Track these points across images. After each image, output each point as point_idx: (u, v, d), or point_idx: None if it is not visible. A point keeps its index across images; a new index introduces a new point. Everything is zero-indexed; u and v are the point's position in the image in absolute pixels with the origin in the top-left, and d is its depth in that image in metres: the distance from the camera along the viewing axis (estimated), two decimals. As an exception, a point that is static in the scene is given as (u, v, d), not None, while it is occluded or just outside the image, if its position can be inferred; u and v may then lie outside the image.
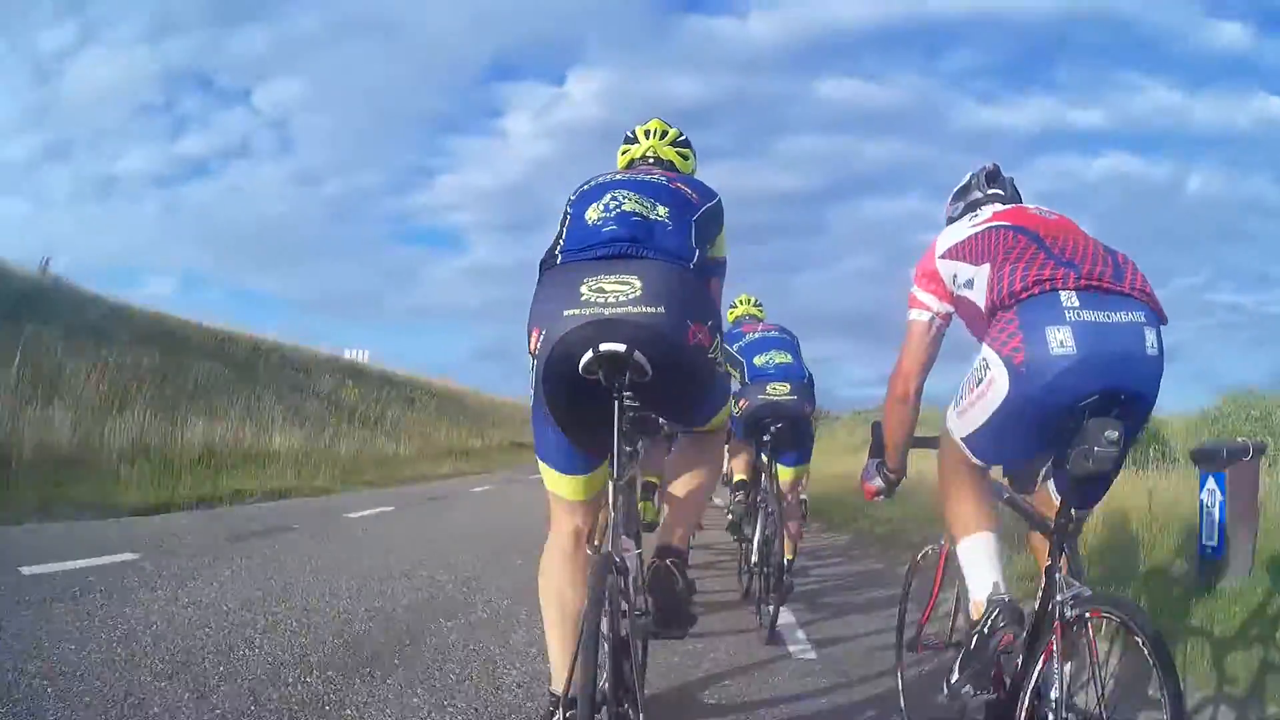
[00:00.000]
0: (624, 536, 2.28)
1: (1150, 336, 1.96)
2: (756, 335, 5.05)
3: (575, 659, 1.94)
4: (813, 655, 4.06)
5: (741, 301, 5.67)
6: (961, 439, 2.19)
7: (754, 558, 4.65)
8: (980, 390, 2.08)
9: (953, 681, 2.19)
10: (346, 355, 27.56)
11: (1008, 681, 2.24)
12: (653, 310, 2.04)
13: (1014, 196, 2.52)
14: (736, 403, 4.89)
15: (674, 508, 2.58)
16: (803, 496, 7.00)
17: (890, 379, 2.47)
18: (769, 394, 4.68)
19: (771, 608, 4.22)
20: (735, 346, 4.94)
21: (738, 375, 4.90)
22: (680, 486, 2.58)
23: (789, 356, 4.89)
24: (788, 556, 4.67)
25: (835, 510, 10.89)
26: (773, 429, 4.65)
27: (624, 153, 2.75)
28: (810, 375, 5.00)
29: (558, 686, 2.21)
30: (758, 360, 4.85)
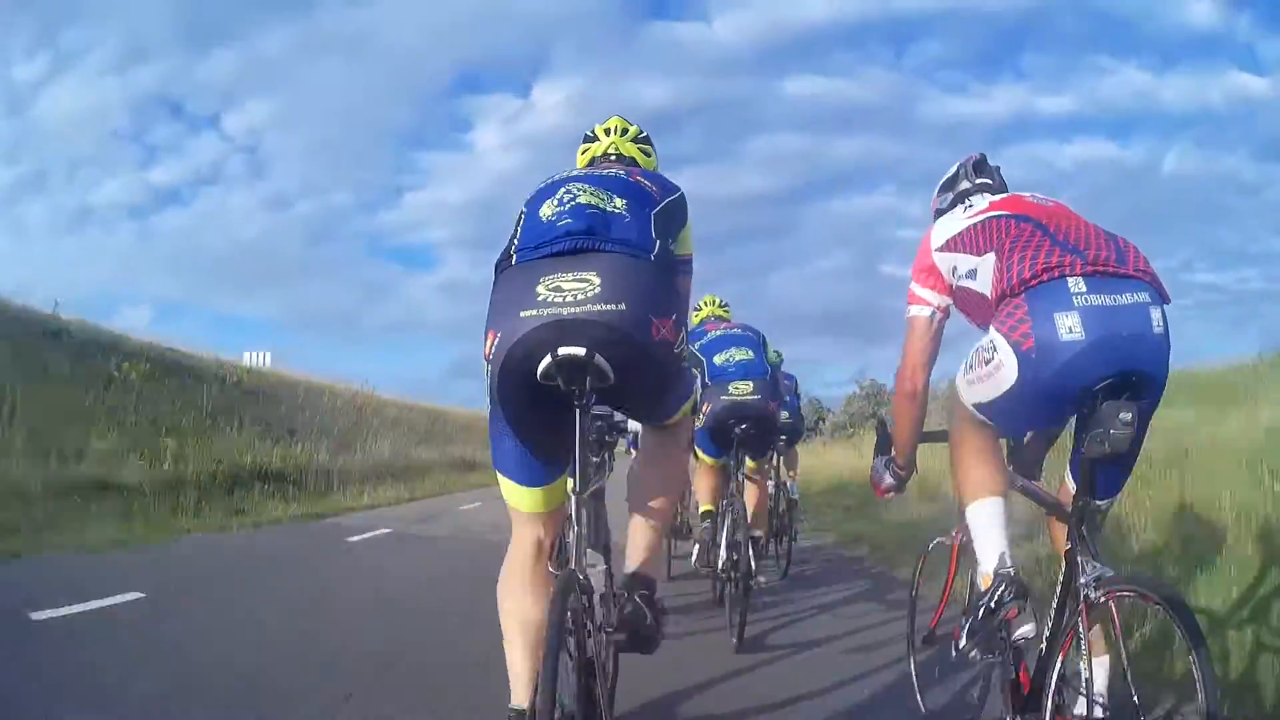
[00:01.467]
0: (590, 550, 2.19)
1: (1156, 315, 1.98)
2: (718, 333, 4.98)
3: (535, 690, 1.84)
4: (789, 659, 3.99)
5: (706, 303, 5.61)
6: (972, 405, 2.20)
7: (720, 565, 4.53)
8: (989, 370, 2.08)
9: (960, 647, 2.21)
10: (246, 359, 23.15)
11: (1030, 669, 2.22)
12: (613, 308, 1.93)
13: (1002, 185, 2.52)
14: (701, 406, 4.83)
15: (638, 526, 2.37)
16: (793, 497, 7.02)
17: (896, 377, 2.46)
18: (731, 394, 4.59)
19: (738, 617, 4.08)
20: (696, 345, 4.88)
21: (699, 374, 4.82)
22: (643, 498, 2.37)
23: (750, 353, 4.79)
24: (756, 532, 4.70)
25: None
26: (737, 431, 4.55)
27: (584, 151, 2.68)
28: (773, 370, 4.95)
29: (519, 701, 2.12)
30: (718, 359, 4.77)
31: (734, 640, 4.04)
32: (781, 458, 6.90)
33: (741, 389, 4.60)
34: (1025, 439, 2.53)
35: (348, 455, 16.05)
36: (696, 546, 4.96)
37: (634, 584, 2.24)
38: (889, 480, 2.67)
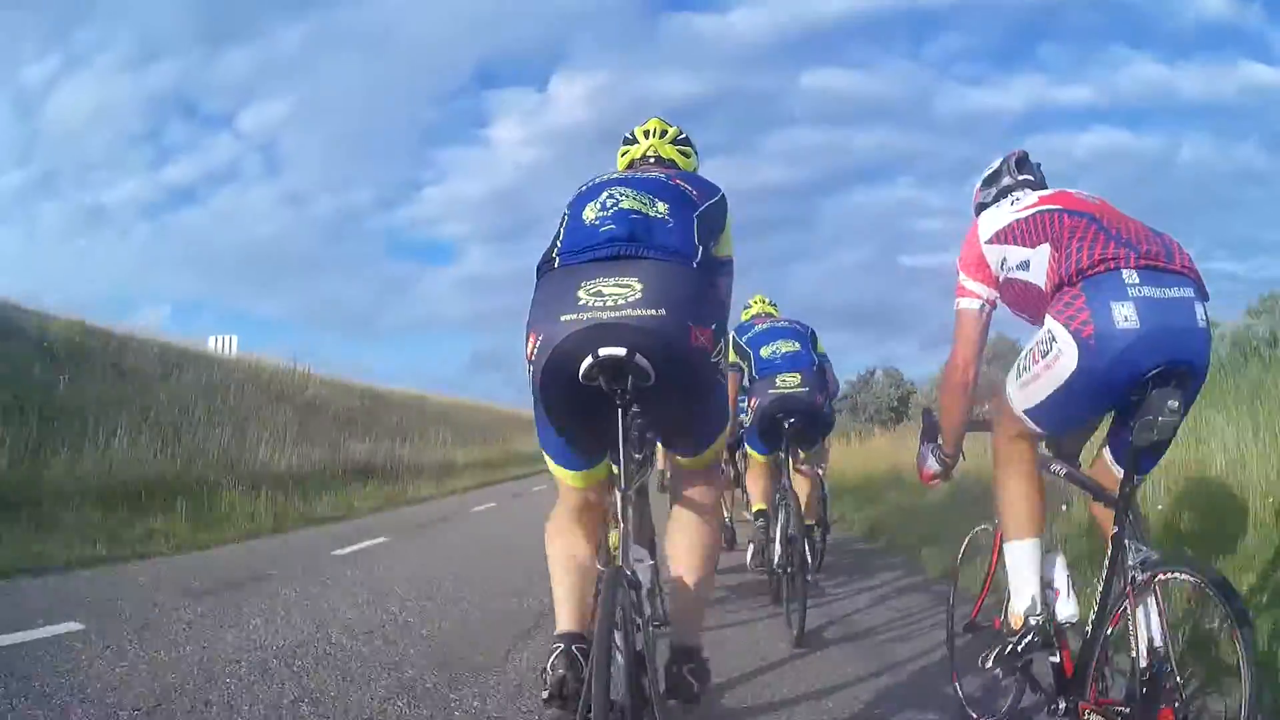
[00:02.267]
0: (636, 546, 2.22)
1: (1199, 310, 2.06)
2: (765, 326, 5.00)
3: (590, 674, 1.84)
4: (845, 648, 4.00)
5: (756, 301, 5.67)
6: (1024, 411, 2.23)
7: (776, 560, 4.49)
8: (1047, 362, 2.13)
9: (986, 665, 2.30)
10: (210, 345, 20.20)
11: (1074, 651, 2.26)
12: (653, 313, 1.96)
13: (1042, 181, 2.60)
14: (747, 403, 4.88)
15: (680, 588, 2.33)
16: (823, 494, 6.97)
17: (946, 368, 2.52)
18: (779, 387, 4.57)
19: (797, 612, 4.01)
20: (744, 338, 4.90)
21: (746, 368, 4.86)
22: (683, 557, 2.33)
23: (796, 345, 4.78)
24: (808, 520, 4.71)
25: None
26: (787, 425, 4.52)
27: (623, 154, 2.69)
28: (821, 364, 4.92)
29: (564, 626, 2.20)
30: (764, 352, 4.76)
31: (793, 633, 3.97)
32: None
33: (789, 381, 4.59)
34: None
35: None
36: (751, 546, 4.87)
37: (682, 656, 2.28)
38: (935, 467, 2.72)
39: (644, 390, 1.99)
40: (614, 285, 1.99)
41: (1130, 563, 2.07)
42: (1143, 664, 2.01)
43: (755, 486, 4.99)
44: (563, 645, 2.13)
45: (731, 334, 4.92)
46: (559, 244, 2.17)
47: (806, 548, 4.27)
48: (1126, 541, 2.10)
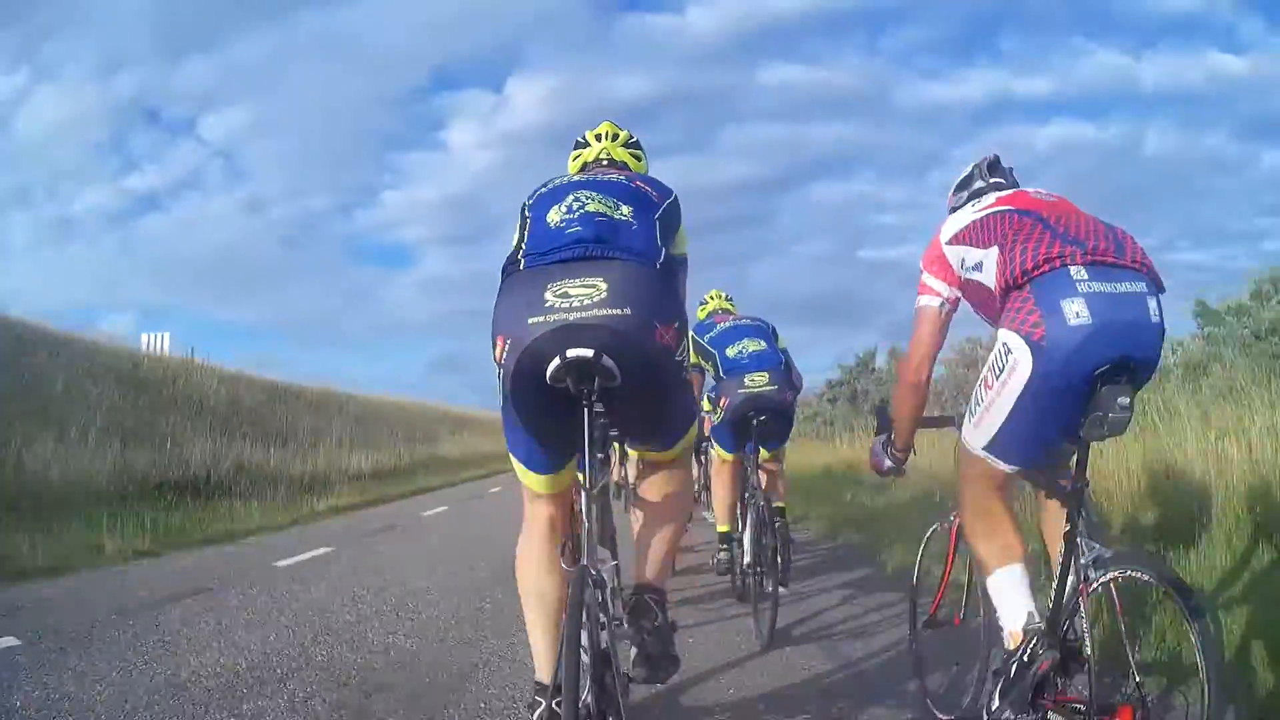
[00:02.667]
0: (599, 547, 2.26)
1: (1153, 305, 2.05)
2: (728, 325, 4.94)
3: (558, 667, 1.94)
4: (808, 647, 3.99)
5: (712, 297, 5.61)
6: (983, 449, 2.21)
7: (745, 559, 4.46)
8: (1003, 379, 2.11)
9: (994, 708, 2.19)
10: (144, 344, 19.63)
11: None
12: (619, 312, 2.01)
13: (1014, 184, 2.59)
14: (717, 402, 4.83)
15: (647, 545, 2.46)
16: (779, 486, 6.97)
17: (901, 363, 2.52)
18: (748, 386, 4.57)
19: (767, 612, 3.98)
20: (706, 338, 4.86)
21: (711, 369, 4.85)
22: (651, 522, 2.47)
23: (762, 343, 4.77)
24: (779, 504, 4.77)
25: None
26: (756, 422, 4.53)
27: (575, 157, 2.73)
28: (787, 359, 4.92)
29: (542, 675, 2.24)
30: (730, 351, 4.74)
31: (764, 635, 3.93)
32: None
33: (758, 380, 4.59)
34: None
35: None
36: (716, 561, 4.91)
37: (644, 590, 2.35)
38: (888, 463, 2.72)
39: (611, 390, 2.03)
40: (580, 286, 2.03)
41: (1084, 561, 2.07)
42: (1100, 661, 2.01)
43: (721, 500, 4.93)
44: (545, 703, 2.10)
45: (691, 334, 4.79)
46: (524, 246, 2.19)
47: (776, 548, 4.21)
48: (1080, 540, 2.10)
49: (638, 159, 2.73)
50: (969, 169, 2.63)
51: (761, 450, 4.80)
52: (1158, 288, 2.09)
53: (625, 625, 2.34)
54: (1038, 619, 2.17)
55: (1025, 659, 2.14)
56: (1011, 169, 2.62)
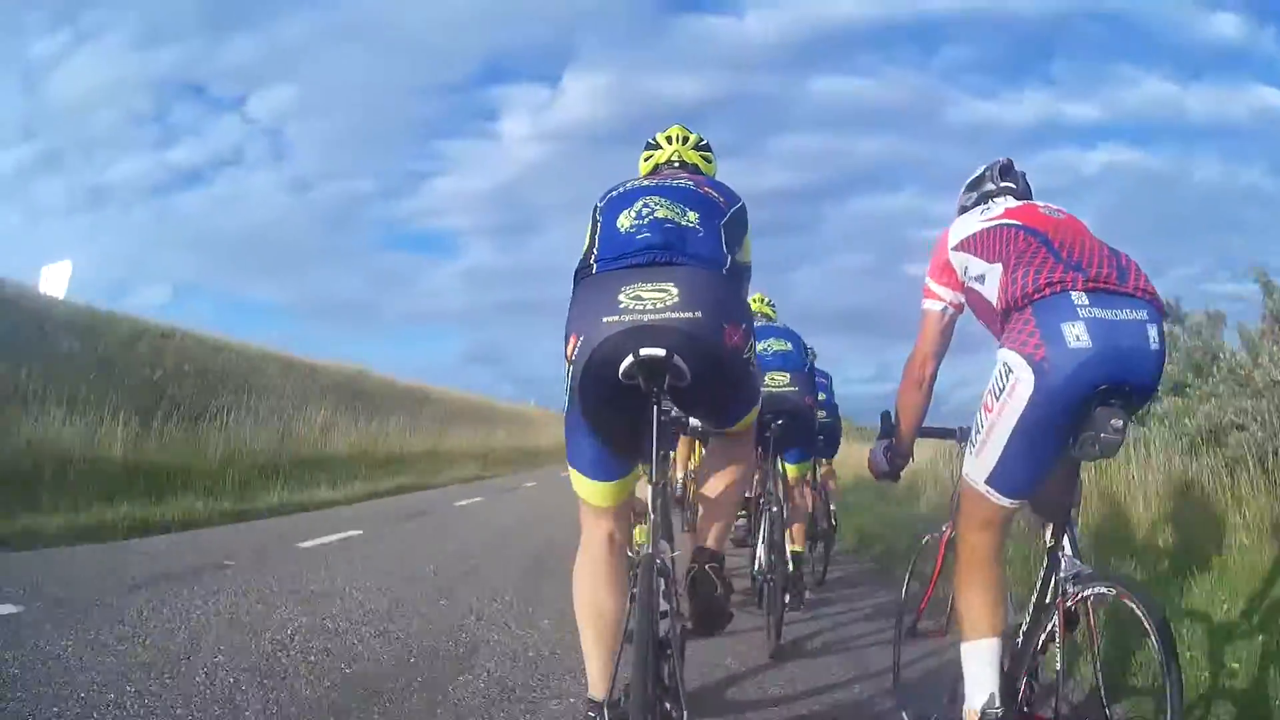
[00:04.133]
0: (660, 540, 2.30)
1: (1153, 332, 2.04)
2: (759, 325, 4.82)
3: (617, 663, 2.06)
4: (824, 659, 3.99)
5: (754, 300, 5.47)
6: (985, 483, 2.16)
7: (758, 565, 4.43)
8: (1003, 400, 2.09)
9: None
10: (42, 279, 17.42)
11: (1007, 663, 2.25)
12: (690, 315, 2.07)
13: (1026, 190, 2.59)
14: None
15: (707, 510, 2.55)
16: (831, 507, 6.78)
17: (906, 365, 2.51)
18: (768, 384, 4.44)
19: (775, 620, 3.96)
20: None
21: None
22: (712, 488, 2.54)
23: (788, 344, 4.75)
24: (795, 548, 4.58)
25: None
26: (774, 425, 4.39)
27: (646, 159, 2.77)
28: (811, 366, 4.86)
29: (597, 692, 2.23)
30: (756, 348, 4.72)
31: (772, 641, 3.92)
32: (821, 461, 6.70)
33: (778, 379, 4.53)
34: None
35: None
36: (736, 524, 4.81)
37: (703, 556, 2.39)
38: (885, 467, 2.72)
39: (679, 389, 2.11)
40: (652, 290, 2.10)
41: (1062, 575, 2.07)
42: (1071, 676, 2.01)
43: None
44: (602, 717, 2.16)
45: None
46: (595, 251, 2.27)
47: (789, 561, 4.18)
48: (1060, 555, 2.10)
49: (708, 161, 2.77)
50: (981, 170, 2.63)
51: (789, 469, 4.71)
52: (1159, 314, 2.09)
53: (687, 598, 2.38)
54: (998, 704, 2.11)
55: None
56: (1024, 174, 2.61)
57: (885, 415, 2.83)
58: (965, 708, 2.18)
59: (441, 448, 20.07)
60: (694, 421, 2.72)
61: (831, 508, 6.74)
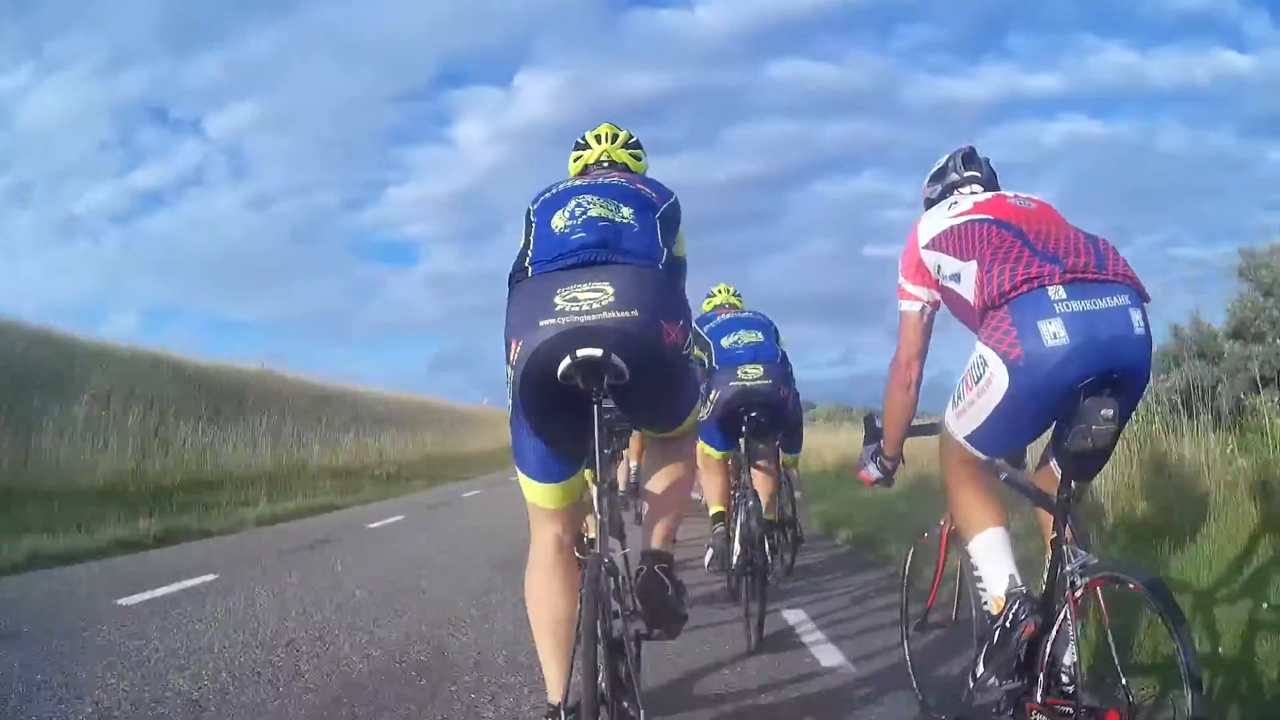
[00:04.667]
0: (609, 537, 2.31)
1: (1136, 317, 2.06)
2: (727, 317, 4.86)
3: (572, 664, 2.03)
4: (804, 650, 4.00)
5: (719, 291, 5.49)
6: (964, 438, 2.25)
7: (735, 561, 4.38)
8: (980, 388, 2.15)
9: (979, 674, 2.21)
10: None
11: (1022, 656, 2.28)
12: (626, 314, 2.07)
13: (990, 176, 2.59)
14: (707, 396, 4.65)
15: (653, 509, 2.56)
16: (796, 494, 6.65)
17: (890, 369, 2.51)
18: (740, 379, 4.42)
19: (755, 615, 3.93)
20: (705, 329, 4.76)
21: (706, 358, 4.70)
22: (656, 486, 2.54)
23: (759, 335, 4.65)
24: (769, 516, 4.60)
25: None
26: (748, 418, 4.39)
27: (576, 159, 2.74)
28: (784, 355, 4.81)
29: (554, 697, 2.24)
30: (725, 342, 4.62)
31: (752, 638, 3.92)
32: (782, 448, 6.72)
33: (751, 373, 4.44)
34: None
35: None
36: (709, 550, 4.71)
37: (651, 558, 2.40)
38: (876, 472, 2.72)
39: (619, 387, 2.11)
40: (588, 290, 2.09)
41: (1069, 568, 2.10)
42: (1085, 667, 2.04)
43: (711, 487, 4.83)
44: None
45: (693, 327, 4.77)
46: (530, 253, 2.25)
47: (766, 549, 4.18)
48: (1065, 547, 2.12)
49: (637, 159, 2.75)
50: (943, 160, 2.64)
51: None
52: (1142, 298, 2.11)
53: (638, 601, 2.40)
54: (1019, 582, 2.20)
55: (1008, 624, 2.16)
56: (988, 160, 2.62)
57: (869, 419, 2.84)
58: (989, 597, 2.25)
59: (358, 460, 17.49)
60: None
61: (796, 495, 6.76)
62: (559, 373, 2.05)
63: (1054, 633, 2.12)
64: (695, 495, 6.84)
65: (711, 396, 4.56)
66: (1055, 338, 2.01)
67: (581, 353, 2.02)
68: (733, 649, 3.91)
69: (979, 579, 2.32)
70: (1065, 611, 2.08)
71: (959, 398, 2.24)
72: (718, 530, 4.70)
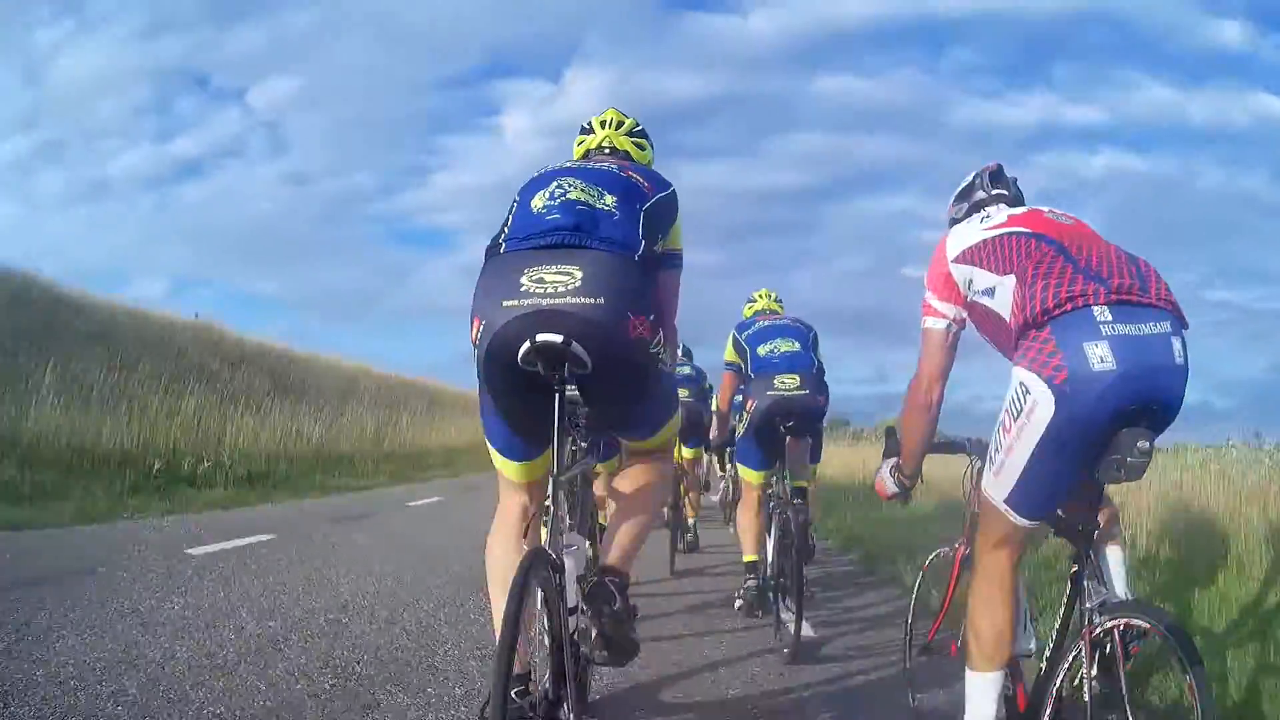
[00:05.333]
0: (572, 532, 2.29)
1: (1177, 345, 1.94)
2: (765, 324, 4.74)
3: (526, 642, 1.95)
4: (814, 665, 3.92)
5: (760, 296, 5.35)
6: (1004, 501, 2.08)
7: (769, 570, 4.30)
8: (1021, 421, 2.00)
9: None
10: None
11: (1028, 686, 2.21)
12: (591, 301, 2.00)
13: (1018, 196, 2.48)
14: (744, 404, 4.61)
15: (615, 523, 2.45)
16: (806, 518, 6.71)
17: (910, 387, 2.41)
18: (778, 388, 4.33)
19: (792, 624, 3.81)
20: (743, 335, 4.68)
21: (743, 365, 4.65)
22: (624, 499, 2.47)
23: (796, 345, 4.53)
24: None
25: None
26: (784, 429, 4.30)
27: (579, 144, 2.71)
28: (821, 365, 4.67)
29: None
30: (761, 350, 4.52)
31: (785, 649, 3.82)
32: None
33: (788, 383, 4.36)
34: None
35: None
36: (739, 599, 4.58)
37: (606, 572, 2.31)
38: (893, 488, 2.64)
39: (584, 378, 2.05)
40: (555, 273, 2.03)
41: (1089, 605, 2.02)
42: (1096, 708, 1.96)
43: (747, 528, 4.63)
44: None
45: (732, 332, 4.78)
46: (506, 230, 2.21)
47: (800, 560, 4.05)
48: (1085, 583, 2.05)
49: (641, 148, 2.69)
50: (970, 178, 2.54)
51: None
52: (1182, 325, 1.99)
53: (585, 609, 2.28)
54: None
55: None
56: (1015, 180, 2.52)
57: (890, 432, 2.76)
58: None
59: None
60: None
61: (806, 517, 6.62)
62: (519, 357, 2.00)
63: (1064, 670, 2.05)
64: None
65: (748, 407, 4.48)
66: (1102, 362, 1.88)
67: (541, 338, 1.96)
68: (739, 656, 3.86)
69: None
70: (1079, 650, 2.00)
71: (995, 452, 2.09)
72: (749, 583, 4.51)
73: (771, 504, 4.46)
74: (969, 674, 2.16)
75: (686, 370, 7.33)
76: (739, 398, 4.88)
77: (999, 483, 2.09)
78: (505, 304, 2.02)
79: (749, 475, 4.60)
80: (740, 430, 4.64)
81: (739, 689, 3.42)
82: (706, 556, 7.00)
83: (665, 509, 6.87)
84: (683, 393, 6.84)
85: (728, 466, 8.62)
